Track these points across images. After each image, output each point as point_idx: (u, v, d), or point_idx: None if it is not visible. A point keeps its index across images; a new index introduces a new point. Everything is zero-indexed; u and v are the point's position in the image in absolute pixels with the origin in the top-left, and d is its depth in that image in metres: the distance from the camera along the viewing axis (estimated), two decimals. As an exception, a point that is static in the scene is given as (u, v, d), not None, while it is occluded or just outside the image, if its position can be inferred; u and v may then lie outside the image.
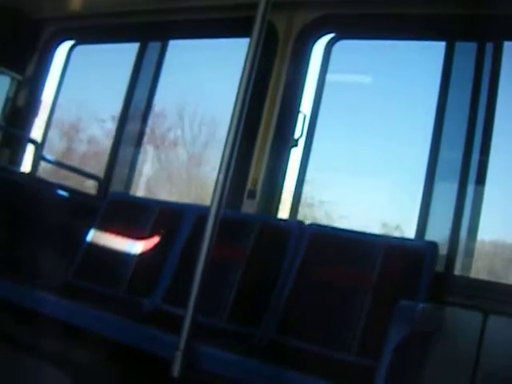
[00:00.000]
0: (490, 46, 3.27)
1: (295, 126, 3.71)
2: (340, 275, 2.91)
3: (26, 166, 4.66)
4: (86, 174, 5.26)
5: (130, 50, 4.67)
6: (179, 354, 2.19)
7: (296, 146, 3.71)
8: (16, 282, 2.87)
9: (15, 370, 2.63)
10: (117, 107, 4.64)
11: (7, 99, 4.92)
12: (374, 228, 4.36)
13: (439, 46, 3.44)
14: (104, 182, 4.37)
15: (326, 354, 2.71)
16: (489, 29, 3.26)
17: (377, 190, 4.46)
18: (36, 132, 4.89)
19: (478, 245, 3.30)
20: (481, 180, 3.17)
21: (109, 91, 5.95)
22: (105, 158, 4.57)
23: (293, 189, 3.71)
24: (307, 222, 3.24)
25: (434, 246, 2.86)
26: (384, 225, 4.58)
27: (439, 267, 2.95)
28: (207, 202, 2.38)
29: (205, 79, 5.54)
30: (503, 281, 3.99)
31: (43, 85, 4.94)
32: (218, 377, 2.24)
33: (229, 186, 2.32)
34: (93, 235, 3.67)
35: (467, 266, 3.19)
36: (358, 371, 2.57)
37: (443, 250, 3.02)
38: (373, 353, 2.41)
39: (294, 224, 3.28)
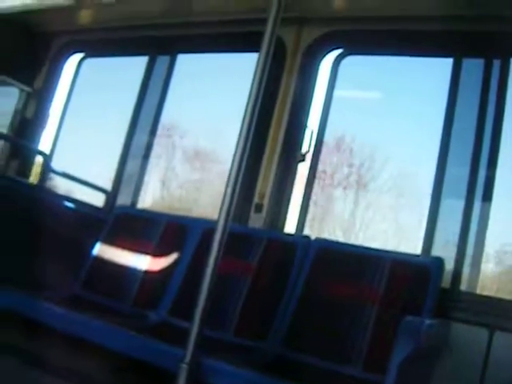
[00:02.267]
0: (497, 63, 3.29)
1: (303, 140, 3.72)
2: (346, 290, 2.91)
3: (34, 178, 4.68)
4: (94, 187, 5.27)
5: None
6: (185, 366, 2.19)
7: (303, 160, 3.72)
8: (23, 293, 2.87)
9: (22, 382, 2.63)
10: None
11: (16, 111, 4.95)
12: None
13: (446, 63, 3.45)
14: (112, 195, 4.39)
15: (332, 369, 2.70)
16: (496, 45, 3.27)
17: (381, 207, 4.44)
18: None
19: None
20: (487, 196, 3.17)
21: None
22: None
23: (300, 203, 3.72)
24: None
25: (440, 261, 2.87)
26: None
27: (445, 283, 2.95)
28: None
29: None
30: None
31: (52, 97, 4.97)
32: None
33: (236, 199, 2.33)
34: (100, 248, 3.68)
35: (474, 281, 3.18)
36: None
37: (449, 266, 3.03)
38: (379, 368, 2.40)
39: (300, 239, 3.29)
